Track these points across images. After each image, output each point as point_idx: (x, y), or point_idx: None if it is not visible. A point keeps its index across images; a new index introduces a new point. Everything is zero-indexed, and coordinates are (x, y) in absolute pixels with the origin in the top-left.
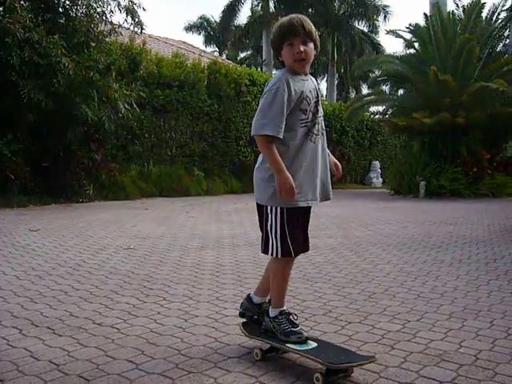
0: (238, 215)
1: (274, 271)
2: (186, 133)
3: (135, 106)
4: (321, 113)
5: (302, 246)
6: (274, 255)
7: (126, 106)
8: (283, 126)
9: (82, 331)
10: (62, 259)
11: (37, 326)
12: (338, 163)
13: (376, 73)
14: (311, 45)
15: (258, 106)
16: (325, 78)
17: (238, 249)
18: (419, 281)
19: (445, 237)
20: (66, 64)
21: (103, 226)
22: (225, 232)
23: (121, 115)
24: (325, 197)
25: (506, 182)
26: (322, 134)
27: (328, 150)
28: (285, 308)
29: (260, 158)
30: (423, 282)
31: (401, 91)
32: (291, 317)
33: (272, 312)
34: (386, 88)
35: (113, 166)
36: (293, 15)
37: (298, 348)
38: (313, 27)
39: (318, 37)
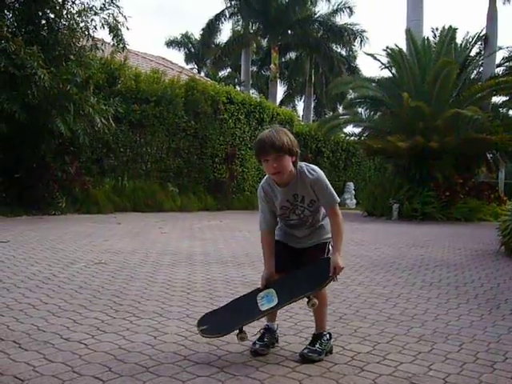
0: (212, 232)
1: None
2: (161, 148)
3: (111, 120)
4: (297, 215)
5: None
6: None
7: (103, 121)
8: (267, 220)
9: (48, 346)
10: (31, 272)
11: (2, 340)
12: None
13: (352, 95)
14: (285, 157)
15: (234, 124)
16: (302, 99)
17: (210, 266)
18: (390, 303)
19: (416, 259)
20: (42, 76)
21: (75, 239)
22: (197, 249)
23: (97, 129)
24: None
25: (478, 206)
26: (302, 219)
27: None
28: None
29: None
30: (394, 304)
31: (376, 114)
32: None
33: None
34: (361, 110)
35: (86, 180)
36: (264, 133)
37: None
38: (284, 139)
39: (293, 143)
